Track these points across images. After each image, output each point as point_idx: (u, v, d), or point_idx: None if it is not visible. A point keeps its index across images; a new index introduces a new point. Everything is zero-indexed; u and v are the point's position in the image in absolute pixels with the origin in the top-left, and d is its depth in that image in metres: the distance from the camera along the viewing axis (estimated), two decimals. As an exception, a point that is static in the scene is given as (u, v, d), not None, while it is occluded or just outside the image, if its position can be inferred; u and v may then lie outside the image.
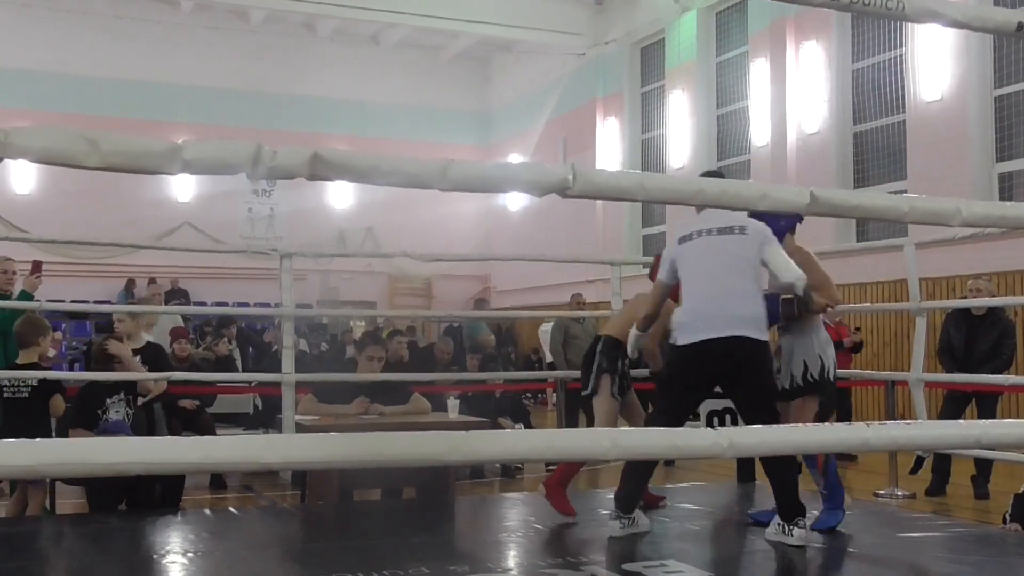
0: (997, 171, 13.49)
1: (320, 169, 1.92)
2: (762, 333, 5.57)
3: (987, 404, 8.93)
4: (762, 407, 5.57)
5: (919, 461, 9.74)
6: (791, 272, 5.54)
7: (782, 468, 5.52)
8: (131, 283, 21.55)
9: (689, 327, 5.64)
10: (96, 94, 22.29)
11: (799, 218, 6.07)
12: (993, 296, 9.29)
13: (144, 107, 22.19)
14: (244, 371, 12.35)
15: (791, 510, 5.48)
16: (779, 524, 5.53)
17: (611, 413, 6.67)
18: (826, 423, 2.44)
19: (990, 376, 8.19)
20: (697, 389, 5.88)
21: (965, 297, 9.14)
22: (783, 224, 5.96)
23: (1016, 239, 11.72)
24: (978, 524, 7.06)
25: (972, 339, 8.92)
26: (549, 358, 14.59)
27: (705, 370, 5.68)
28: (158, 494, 7.15)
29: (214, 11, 22.94)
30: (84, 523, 6.53)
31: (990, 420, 2.51)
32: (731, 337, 5.51)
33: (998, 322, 8.96)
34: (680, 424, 5.62)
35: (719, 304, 5.57)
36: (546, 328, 20.15)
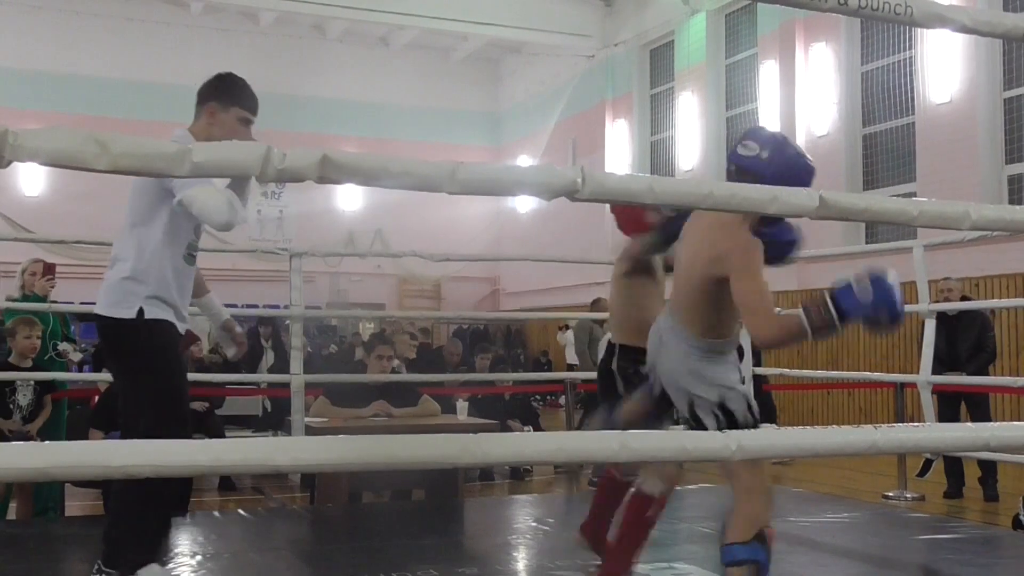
0: (1007, 173, 13.46)
1: (329, 171, 1.92)
2: (118, 309, 4.13)
3: (977, 404, 8.98)
4: (133, 411, 4.22)
5: (927, 464, 9.73)
6: (218, 213, 3.96)
7: (132, 497, 4.12)
8: None
9: None
10: (106, 96, 22.34)
11: None
12: (965, 296, 9.41)
13: (154, 109, 22.19)
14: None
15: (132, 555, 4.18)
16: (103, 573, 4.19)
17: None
18: (833, 426, 2.44)
19: (1002, 379, 8.19)
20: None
21: (947, 299, 9.14)
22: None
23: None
24: (987, 526, 7.06)
25: (953, 338, 8.98)
26: (571, 360, 14.49)
27: None
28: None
29: (224, 13, 22.97)
30: (94, 525, 6.54)
31: (999, 423, 2.50)
32: (94, 316, 4.26)
33: (976, 317, 9.04)
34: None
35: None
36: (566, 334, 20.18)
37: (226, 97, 4.39)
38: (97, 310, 4.20)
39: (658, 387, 4.01)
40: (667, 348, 3.90)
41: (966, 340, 8.99)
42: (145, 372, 4.16)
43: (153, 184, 4.03)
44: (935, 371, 9.01)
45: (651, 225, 4.74)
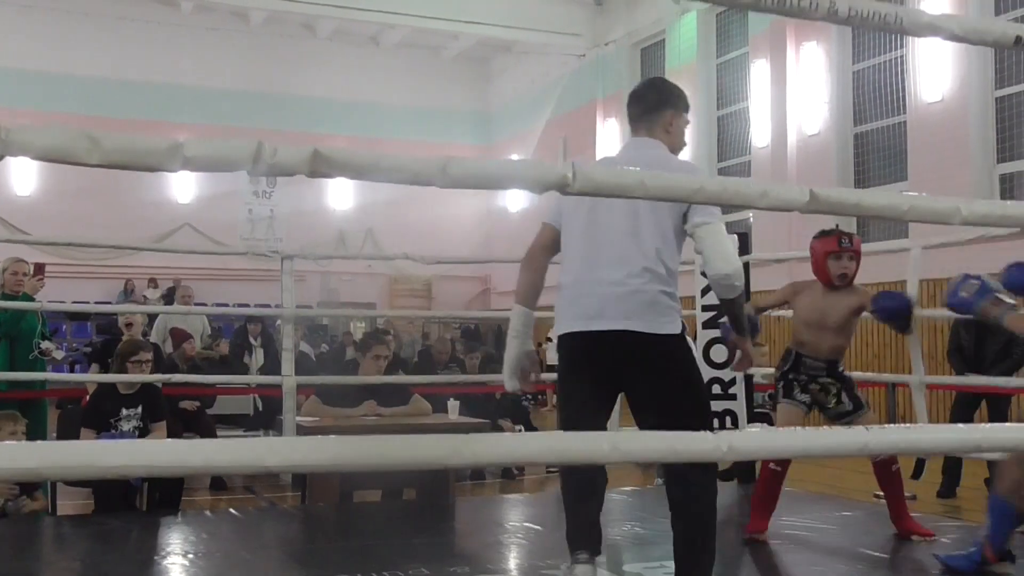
0: (998, 172, 13.48)
1: (321, 166, 1.91)
2: (663, 324, 4.04)
3: (998, 407, 8.87)
4: (682, 414, 3.95)
5: (920, 464, 9.72)
6: (725, 261, 3.98)
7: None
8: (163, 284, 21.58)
9: (560, 311, 4.23)
10: (98, 95, 22.32)
11: None
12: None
13: (146, 108, 22.20)
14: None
15: None
16: None
17: None
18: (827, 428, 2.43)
19: (995, 378, 8.14)
20: (585, 389, 4.24)
21: None
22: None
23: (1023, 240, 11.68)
24: (979, 525, 7.04)
25: (982, 340, 8.85)
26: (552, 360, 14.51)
27: (589, 367, 4.17)
28: (156, 498, 7.13)
29: (214, 12, 22.96)
30: (85, 524, 6.52)
31: (991, 424, 2.49)
32: (609, 332, 4.05)
33: None
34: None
35: (594, 282, 4.11)
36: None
37: (681, 103, 4.51)
38: (630, 327, 4.04)
39: None
40: None
41: (995, 343, 8.80)
42: (693, 380, 4.25)
43: (679, 207, 4.04)
44: (959, 371, 8.96)
45: None
